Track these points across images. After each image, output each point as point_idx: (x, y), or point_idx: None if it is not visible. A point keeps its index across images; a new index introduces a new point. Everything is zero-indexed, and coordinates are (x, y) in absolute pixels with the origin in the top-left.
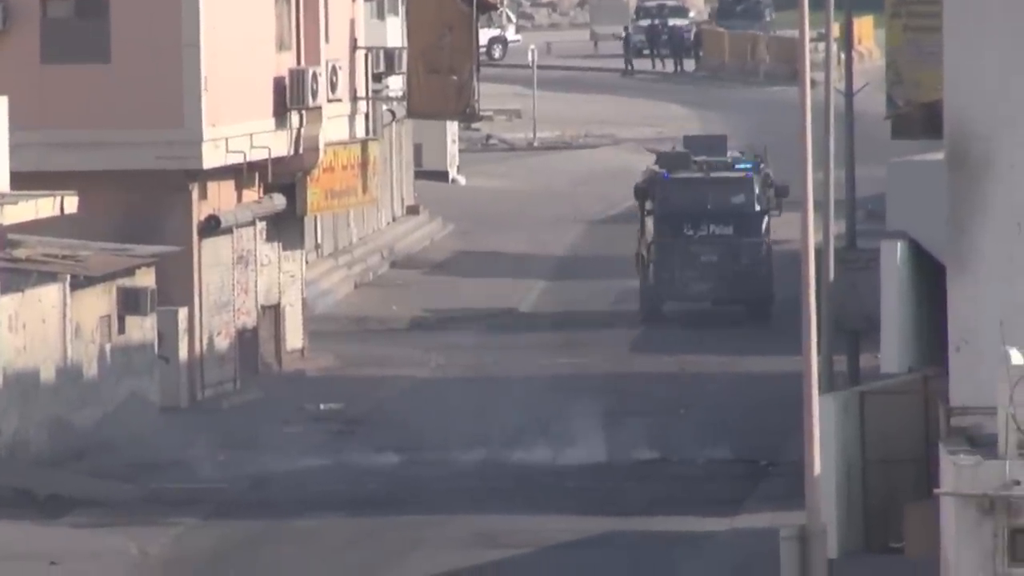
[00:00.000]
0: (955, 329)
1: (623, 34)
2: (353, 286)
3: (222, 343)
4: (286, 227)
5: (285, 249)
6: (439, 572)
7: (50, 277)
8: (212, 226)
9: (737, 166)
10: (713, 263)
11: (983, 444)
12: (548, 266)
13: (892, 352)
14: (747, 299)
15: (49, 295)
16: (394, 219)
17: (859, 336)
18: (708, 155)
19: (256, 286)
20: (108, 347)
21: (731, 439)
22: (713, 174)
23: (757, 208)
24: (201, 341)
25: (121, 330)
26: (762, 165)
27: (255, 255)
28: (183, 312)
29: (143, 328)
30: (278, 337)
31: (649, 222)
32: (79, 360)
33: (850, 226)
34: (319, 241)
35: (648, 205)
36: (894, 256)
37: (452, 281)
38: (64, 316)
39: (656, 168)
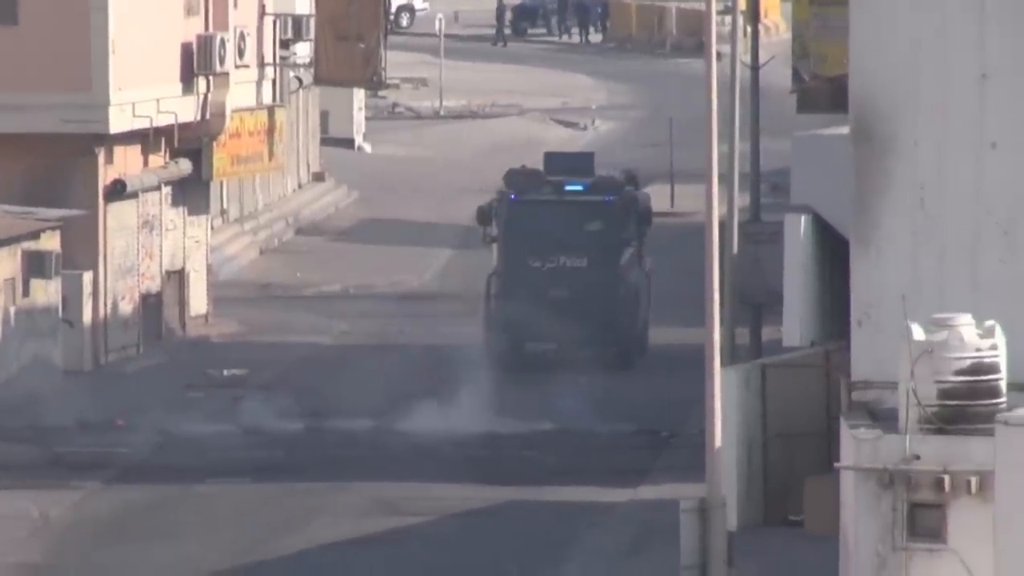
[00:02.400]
0: (857, 304)
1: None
2: (258, 252)
3: (126, 307)
4: (192, 192)
5: (190, 214)
6: (340, 539)
7: None
8: (118, 190)
9: (599, 189)
10: (563, 300)
11: (884, 418)
12: (453, 235)
13: (794, 326)
14: (604, 342)
15: None
16: (300, 186)
17: (762, 309)
18: (571, 175)
19: (161, 251)
20: (12, 310)
21: (633, 410)
22: (568, 197)
23: (617, 237)
24: (105, 305)
25: (25, 293)
26: (630, 188)
27: (160, 220)
28: (88, 276)
29: (47, 291)
30: (182, 302)
31: (494, 250)
32: None
33: (754, 199)
34: (224, 207)
35: (492, 231)
36: (798, 230)
37: (357, 248)
38: None
39: (503, 187)
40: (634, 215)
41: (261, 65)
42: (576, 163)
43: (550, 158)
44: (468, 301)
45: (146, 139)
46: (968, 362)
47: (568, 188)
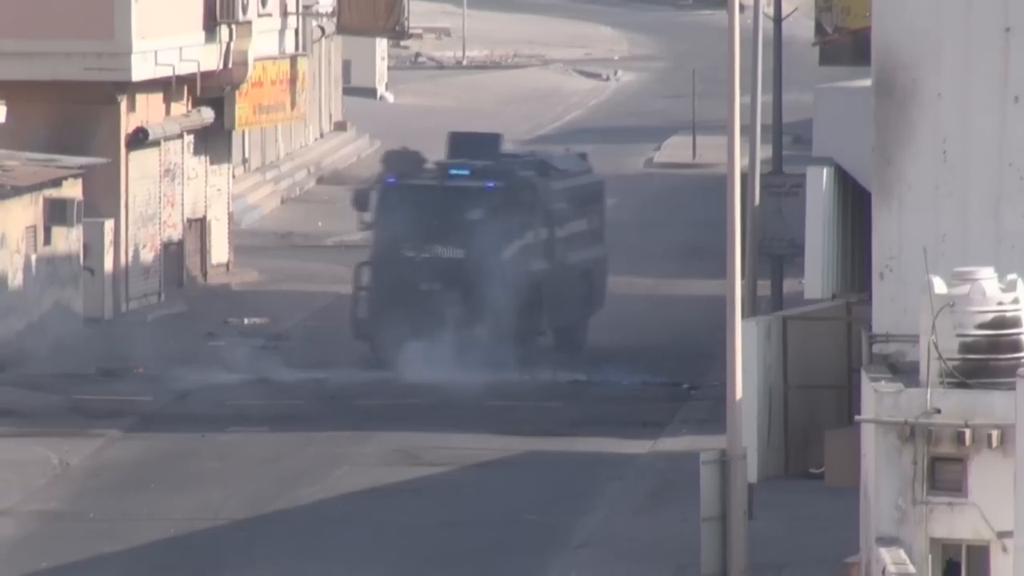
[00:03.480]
0: (879, 256)
1: None
2: (280, 201)
3: (148, 255)
4: (214, 141)
5: (212, 163)
6: (359, 488)
7: None
8: (140, 139)
9: (485, 175)
10: (436, 293)
11: (905, 372)
12: None
13: (816, 278)
14: (482, 339)
15: None
16: (322, 135)
17: (783, 261)
18: (473, 157)
19: (183, 199)
20: (34, 257)
21: (655, 361)
22: (448, 182)
23: (503, 226)
24: (127, 253)
25: (47, 241)
26: (528, 174)
27: (182, 168)
28: (109, 224)
29: (69, 239)
30: (204, 251)
31: (370, 237)
32: (4, 270)
33: (776, 151)
34: (246, 156)
35: (368, 216)
36: (820, 182)
37: None
38: None
39: (382, 170)
40: (532, 202)
41: (284, 14)
42: (481, 143)
43: (454, 139)
44: None
45: (168, 87)
46: (990, 316)
47: (452, 172)
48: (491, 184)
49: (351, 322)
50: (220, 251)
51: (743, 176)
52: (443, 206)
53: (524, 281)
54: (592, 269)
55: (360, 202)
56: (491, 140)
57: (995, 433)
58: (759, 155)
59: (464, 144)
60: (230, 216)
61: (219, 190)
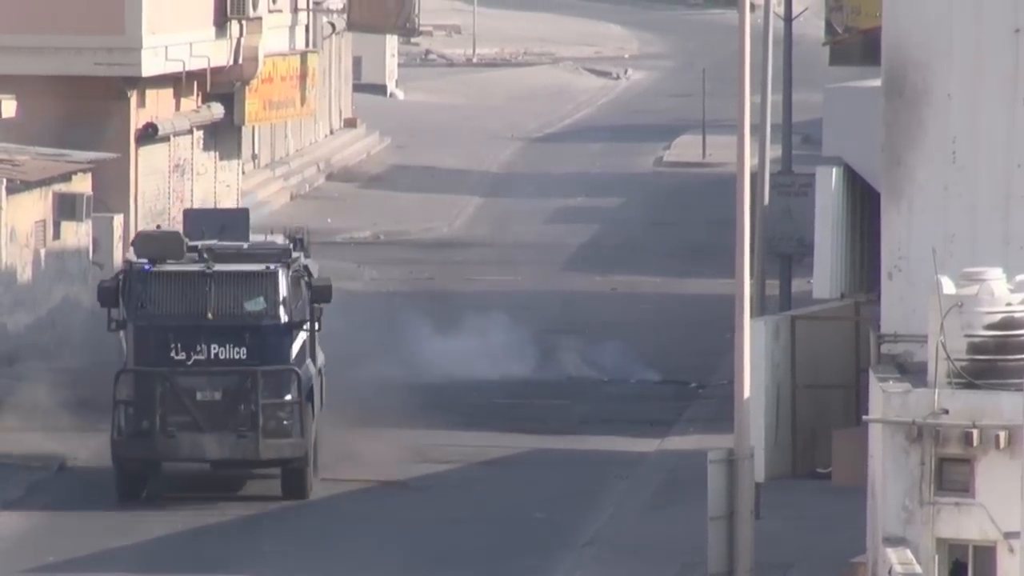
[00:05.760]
0: (888, 256)
1: None
2: (289, 197)
3: None
4: (223, 137)
5: (222, 159)
6: (367, 485)
7: None
8: (149, 134)
9: (260, 257)
10: (216, 404)
11: (913, 372)
12: (483, 182)
13: (824, 277)
14: (272, 459)
15: None
16: (331, 132)
17: (792, 261)
18: (220, 237)
19: (192, 195)
20: (43, 252)
21: (662, 360)
22: (219, 266)
23: (285, 319)
24: None
25: (56, 235)
26: (297, 255)
27: (192, 164)
28: (119, 219)
29: (78, 234)
30: None
31: (122, 338)
32: (13, 264)
33: (786, 150)
34: (256, 152)
35: (119, 313)
36: (829, 182)
37: (388, 195)
38: None
39: (132, 257)
40: (307, 289)
41: (294, 10)
42: (227, 220)
43: (192, 216)
44: (499, 248)
45: (178, 83)
46: (998, 316)
47: (220, 254)
48: (273, 267)
49: (112, 445)
50: None
51: (752, 175)
52: (216, 295)
53: (304, 389)
54: (322, 378)
55: (107, 298)
56: (238, 216)
57: (1003, 434)
58: (769, 154)
59: (202, 221)
60: None
61: (228, 186)
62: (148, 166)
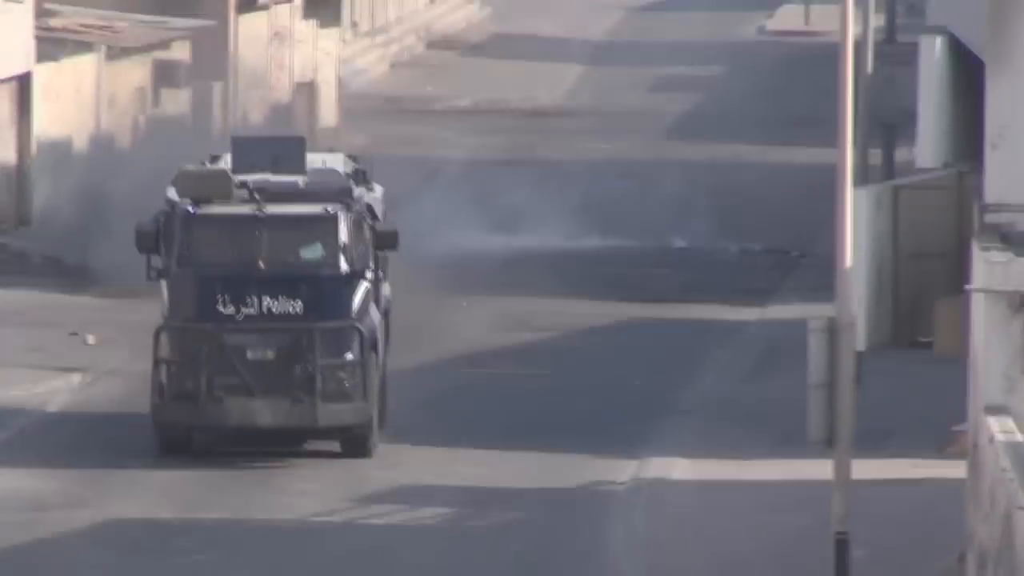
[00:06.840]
0: (991, 126)
1: None
2: (389, 66)
3: (256, 118)
4: (323, 5)
5: (321, 27)
6: (470, 351)
7: (85, 47)
8: (249, 1)
9: (319, 194)
10: (269, 364)
11: (1016, 242)
12: (585, 51)
13: (928, 147)
14: (331, 427)
15: (84, 65)
16: (432, 0)
17: (895, 130)
18: (272, 170)
19: (291, 63)
20: (142, 119)
21: (764, 229)
22: (272, 208)
23: (346, 268)
24: (235, 115)
25: (155, 102)
26: (359, 192)
27: (291, 32)
28: (218, 86)
29: (177, 101)
30: (312, 114)
31: (163, 289)
32: (112, 131)
33: (890, 19)
34: (356, 19)
35: (160, 261)
36: (933, 51)
37: (488, 64)
38: (98, 87)
39: (174, 197)
40: (370, 233)
41: None
42: (280, 150)
43: (240, 145)
44: (600, 117)
45: None
46: None
47: (273, 193)
48: (333, 208)
49: (151, 406)
50: (328, 114)
51: (856, 44)
52: (269, 241)
53: (368, 344)
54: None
55: (145, 242)
56: (294, 146)
57: None
58: (872, 23)
59: (251, 151)
60: (339, 80)
61: (328, 54)
62: (248, 33)
